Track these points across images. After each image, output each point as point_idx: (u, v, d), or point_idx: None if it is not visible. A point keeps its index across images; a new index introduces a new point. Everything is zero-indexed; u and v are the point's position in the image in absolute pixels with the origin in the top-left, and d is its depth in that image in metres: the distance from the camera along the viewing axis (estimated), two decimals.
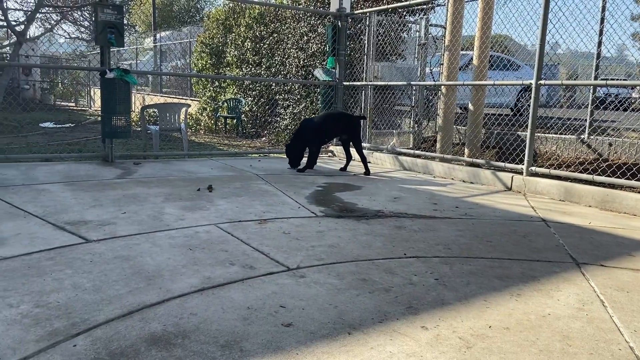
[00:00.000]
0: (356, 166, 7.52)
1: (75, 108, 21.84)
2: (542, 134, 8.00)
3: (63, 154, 6.97)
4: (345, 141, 7.03)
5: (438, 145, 7.45)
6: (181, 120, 8.52)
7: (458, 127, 8.66)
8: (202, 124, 14.73)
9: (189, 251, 3.29)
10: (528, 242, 3.76)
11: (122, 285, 2.70)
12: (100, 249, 3.26)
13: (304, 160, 6.88)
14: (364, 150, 7.01)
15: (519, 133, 8.49)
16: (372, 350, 2.12)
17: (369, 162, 7.95)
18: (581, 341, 2.27)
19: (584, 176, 5.33)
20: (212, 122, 14.30)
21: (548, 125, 8.55)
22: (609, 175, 5.33)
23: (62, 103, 23.36)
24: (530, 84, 5.73)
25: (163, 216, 4.14)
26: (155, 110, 8.92)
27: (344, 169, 7.05)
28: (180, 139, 8.81)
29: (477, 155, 7.42)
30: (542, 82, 5.64)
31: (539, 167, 5.83)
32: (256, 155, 8.67)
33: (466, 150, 7.46)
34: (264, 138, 12.67)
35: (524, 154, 5.86)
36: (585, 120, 8.00)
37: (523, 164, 5.87)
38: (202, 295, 2.61)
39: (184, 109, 8.61)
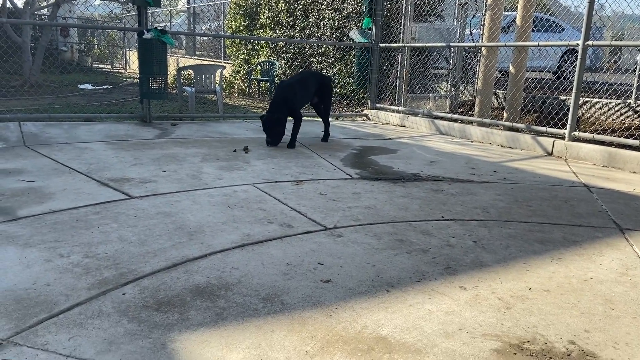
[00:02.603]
0: (390, 130, 7.44)
1: (111, 70, 22.12)
2: (587, 98, 7.73)
3: (103, 114, 7.11)
4: (317, 105, 6.16)
5: (476, 109, 7.29)
6: (216, 82, 8.55)
7: (497, 91, 8.45)
8: (236, 87, 14.75)
9: (228, 209, 3.35)
10: (569, 207, 3.69)
11: (165, 239, 2.78)
12: (143, 205, 3.34)
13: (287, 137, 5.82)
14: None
15: (561, 97, 8.23)
16: (410, 308, 2.14)
17: (404, 127, 7.86)
18: (624, 305, 2.24)
19: (630, 141, 5.15)
20: (246, 85, 14.31)
21: (593, 89, 8.26)
22: None
23: (99, 65, 23.69)
24: (577, 44, 5.51)
25: (202, 175, 4.21)
26: (191, 72, 8.96)
27: (324, 139, 6.15)
28: (215, 101, 8.87)
29: (516, 120, 7.24)
30: (589, 42, 5.42)
31: (582, 132, 5.65)
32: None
33: (505, 114, 7.28)
34: None
35: (566, 119, 5.68)
36: (632, 85, 7.68)
37: (565, 129, 5.70)
38: (242, 251, 2.66)
39: (219, 71, 8.63)
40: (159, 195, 3.58)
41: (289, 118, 5.73)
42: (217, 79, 8.58)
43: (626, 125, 7.27)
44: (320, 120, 6.28)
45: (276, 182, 4.12)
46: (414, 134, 7.13)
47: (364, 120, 8.62)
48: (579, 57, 5.53)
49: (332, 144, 6.04)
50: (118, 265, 2.43)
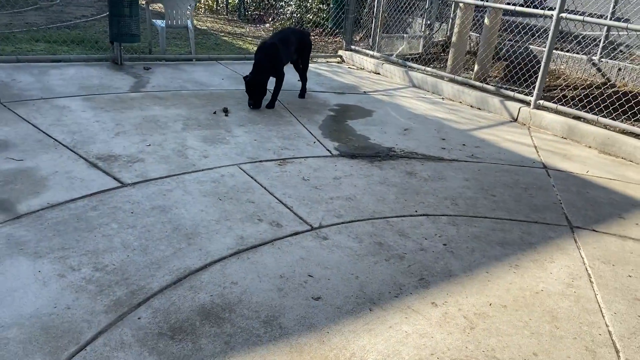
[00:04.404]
0: (365, 77, 7.54)
1: None
2: (555, 51, 7.94)
3: (72, 56, 6.91)
4: (296, 62, 6.20)
5: (449, 62, 7.43)
6: (187, 17, 8.29)
7: (471, 34, 8.51)
8: (202, 2, 14.17)
9: (218, 201, 3.57)
10: (528, 198, 4.06)
11: (165, 244, 3.01)
12: (137, 197, 3.52)
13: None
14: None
15: (532, 48, 8.42)
16: (390, 330, 2.50)
17: (378, 74, 7.96)
18: (567, 323, 2.67)
19: (589, 116, 5.49)
20: (213, 1, 13.77)
21: (562, 38, 8.44)
22: (613, 118, 5.50)
23: None
24: (552, 15, 5.65)
25: (187, 151, 4.35)
26: (161, 5, 8.61)
27: (302, 96, 6.24)
28: (185, 34, 8.63)
29: (486, 74, 7.45)
30: (563, 15, 5.56)
31: (547, 100, 5.94)
32: None
33: (476, 67, 7.47)
34: (267, 24, 12.33)
35: (536, 77, 5.92)
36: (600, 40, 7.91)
37: (532, 96, 5.98)
38: (238, 260, 2.94)
39: (191, 3, 8.33)
40: (150, 182, 3.75)
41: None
42: (189, 12, 8.31)
43: (588, 82, 7.60)
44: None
45: (260, 161, 4.31)
46: (388, 86, 7.27)
47: (338, 62, 8.63)
48: (551, 27, 5.69)
49: (309, 101, 6.15)
50: (127, 280, 2.68)
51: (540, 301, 2.83)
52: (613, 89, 7.10)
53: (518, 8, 6.03)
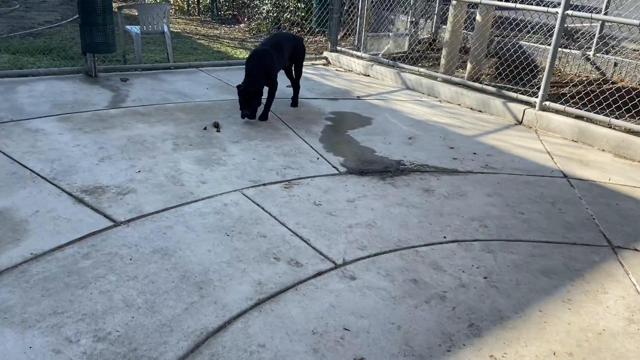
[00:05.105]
0: (355, 80, 7.18)
1: None
2: (547, 46, 7.72)
3: (42, 69, 6.35)
4: (288, 68, 5.82)
5: (443, 61, 7.12)
6: (163, 22, 7.78)
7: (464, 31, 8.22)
8: (172, 3, 13.57)
9: (226, 238, 3.16)
10: (559, 214, 3.77)
11: (175, 298, 2.60)
12: (133, 238, 3.09)
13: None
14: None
15: (521, 43, 8.19)
16: None
17: (368, 76, 7.61)
18: None
19: (601, 117, 5.24)
20: (184, 1, 13.19)
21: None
22: (626, 119, 5.27)
23: None
24: (557, 12, 5.37)
25: (182, 177, 3.92)
26: (135, 11, 8.09)
27: (294, 104, 5.83)
28: (160, 40, 8.12)
29: (479, 73, 7.17)
30: (569, 12, 5.29)
31: (552, 101, 5.68)
32: None
33: (469, 66, 7.18)
34: (242, 25, 11.86)
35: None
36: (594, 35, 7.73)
37: (536, 97, 5.71)
38: (261, 314, 2.55)
39: (167, 7, 7.82)
40: (146, 219, 3.31)
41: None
42: (165, 18, 7.80)
43: (582, 77, 7.41)
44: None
45: (264, 184, 3.91)
46: (381, 90, 6.93)
47: (324, 64, 8.25)
48: (557, 25, 5.42)
49: (302, 110, 5.76)
50: (136, 351, 2.26)
51: (606, 345, 2.52)
52: (612, 86, 6.91)
53: (519, 5, 5.74)
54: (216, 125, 5.03)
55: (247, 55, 8.49)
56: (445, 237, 3.37)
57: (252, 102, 5.08)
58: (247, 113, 5.12)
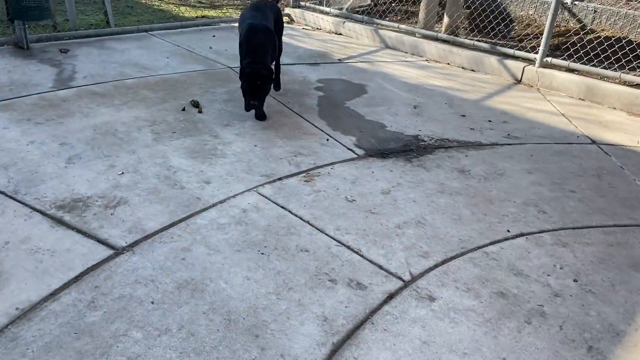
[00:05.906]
0: (328, 40, 6.49)
1: None
2: None
3: None
4: None
5: (421, 15, 6.56)
6: None
7: None
8: None
9: (261, 257, 2.55)
10: (610, 189, 3.42)
11: (228, 356, 2.00)
12: (146, 270, 2.41)
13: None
14: None
15: None
16: None
17: (340, 34, 6.94)
18: None
19: (611, 73, 4.93)
20: None
21: None
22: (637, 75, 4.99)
23: None
24: None
25: (177, 176, 3.21)
26: None
27: (277, 87, 4.74)
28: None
29: (455, 25, 6.69)
30: None
31: (555, 57, 5.31)
32: (204, 26, 7.12)
33: (445, 19, 6.67)
34: None
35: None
36: None
37: (536, 53, 5.32)
38: None
39: None
40: (153, 240, 2.62)
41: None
42: None
43: (563, 26, 7.11)
44: None
45: (279, 179, 3.28)
46: (360, 50, 6.30)
47: (288, 22, 7.45)
48: None
49: (285, 79, 5.04)
50: None
51: None
52: (597, 35, 6.65)
53: None
54: (196, 105, 4.27)
55: (199, 15, 7.54)
56: (509, 231, 2.92)
57: (263, 89, 3.98)
58: (256, 104, 4.00)
